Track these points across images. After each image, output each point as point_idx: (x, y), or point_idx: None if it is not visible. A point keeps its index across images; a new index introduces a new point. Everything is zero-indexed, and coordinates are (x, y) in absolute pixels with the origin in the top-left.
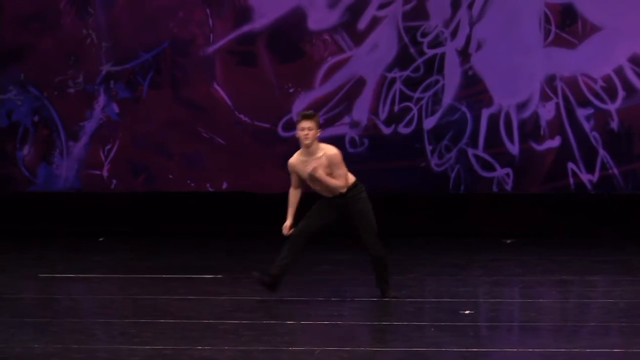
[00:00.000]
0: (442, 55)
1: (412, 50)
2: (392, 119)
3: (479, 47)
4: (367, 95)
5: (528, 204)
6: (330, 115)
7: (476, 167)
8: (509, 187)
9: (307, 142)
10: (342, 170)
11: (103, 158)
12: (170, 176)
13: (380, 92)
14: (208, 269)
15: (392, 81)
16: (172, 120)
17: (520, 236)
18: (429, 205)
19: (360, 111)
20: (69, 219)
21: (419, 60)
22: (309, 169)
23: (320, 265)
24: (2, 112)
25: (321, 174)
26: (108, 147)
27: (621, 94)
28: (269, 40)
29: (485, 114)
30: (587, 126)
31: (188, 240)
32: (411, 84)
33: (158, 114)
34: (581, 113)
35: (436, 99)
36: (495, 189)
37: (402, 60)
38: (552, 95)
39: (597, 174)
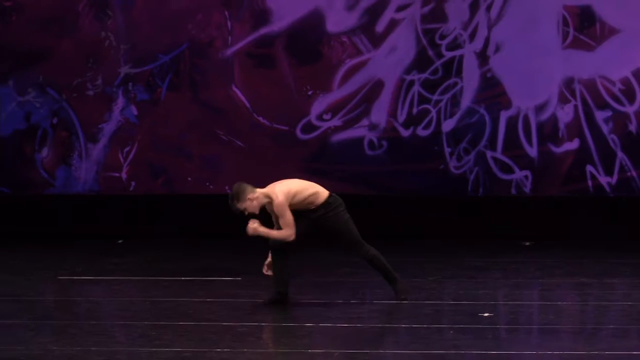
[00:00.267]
0: (461, 58)
1: (430, 52)
2: (411, 121)
3: (497, 49)
4: (385, 98)
5: (547, 206)
6: (348, 118)
7: (495, 169)
8: (527, 190)
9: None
10: (285, 218)
11: (122, 160)
12: (189, 178)
13: (399, 94)
14: (227, 271)
15: (411, 83)
16: (191, 122)
17: (539, 239)
18: (447, 208)
19: (379, 113)
20: (87, 221)
21: (438, 63)
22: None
23: (339, 268)
24: (21, 114)
25: (262, 230)
26: (127, 149)
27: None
28: (287, 42)
29: (503, 116)
30: (605, 129)
31: (207, 243)
32: (429, 86)
33: (177, 116)
34: (599, 115)
35: (455, 102)
36: (514, 191)
37: (420, 62)
38: (570, 97)
39: (615, 177)
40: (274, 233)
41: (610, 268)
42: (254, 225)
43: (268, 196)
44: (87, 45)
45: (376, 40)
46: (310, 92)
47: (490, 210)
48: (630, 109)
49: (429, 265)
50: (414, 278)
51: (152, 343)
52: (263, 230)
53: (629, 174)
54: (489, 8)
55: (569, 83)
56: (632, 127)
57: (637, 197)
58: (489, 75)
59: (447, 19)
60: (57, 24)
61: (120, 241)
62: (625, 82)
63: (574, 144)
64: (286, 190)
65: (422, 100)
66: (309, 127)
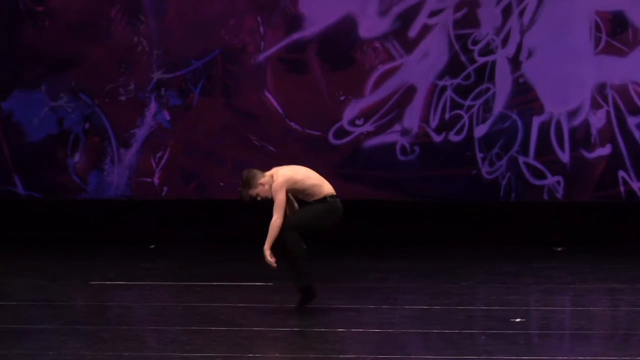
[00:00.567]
0: (493, 63)
1: (462, 58)
2: (443, 126)
3: (529, 55)
4: (417, 103)
5: (579, 211)
6: (381, 123)
7: (527, 175)
8: (559, 195)
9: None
10: (277, 200)
11: (154, 165)
12: (221, 184)
13: (431, 99)
14: (259, 277)
15: (443, 89)
16: (223, 127)
17: (571, 244)
18: (479, 213)
19: (411, 119)
20: (119, 226)
21: (470, 68)
22: None
23: (371, 273)
24: (54, 119)
25: (267, 247)
26: (159, 154)
27: None
28: (319, 47)
29: (536, 121)
30: (637, 134)
31: (238, 248)
32: (462, 91)
33: (209, 122)
34: (632, 121)
35: (487, 107)
36: (546, 196)
37: (452, 68)
38: (602, 103)
39: None
40: (269, 237)
41: None
42: (265, 254)
43: (273, 177)
44: (120, 50)
45: (409, 46)
46: (342, 98)
47: (522, 215)
48: None
49: (460, 270)
50: (446, 284)
51: (183, 348)
52: (267, 246)
53: None
54: (521, 13)
55: (601, 89)
56: None
57: None
58: (521, 80)
59: (479, 24)
60: (90, 30)
61: (152, 246)
62: None
63: (606, 150)
64: (289, 175)
65: (455, 105)
66: (341, 133)
